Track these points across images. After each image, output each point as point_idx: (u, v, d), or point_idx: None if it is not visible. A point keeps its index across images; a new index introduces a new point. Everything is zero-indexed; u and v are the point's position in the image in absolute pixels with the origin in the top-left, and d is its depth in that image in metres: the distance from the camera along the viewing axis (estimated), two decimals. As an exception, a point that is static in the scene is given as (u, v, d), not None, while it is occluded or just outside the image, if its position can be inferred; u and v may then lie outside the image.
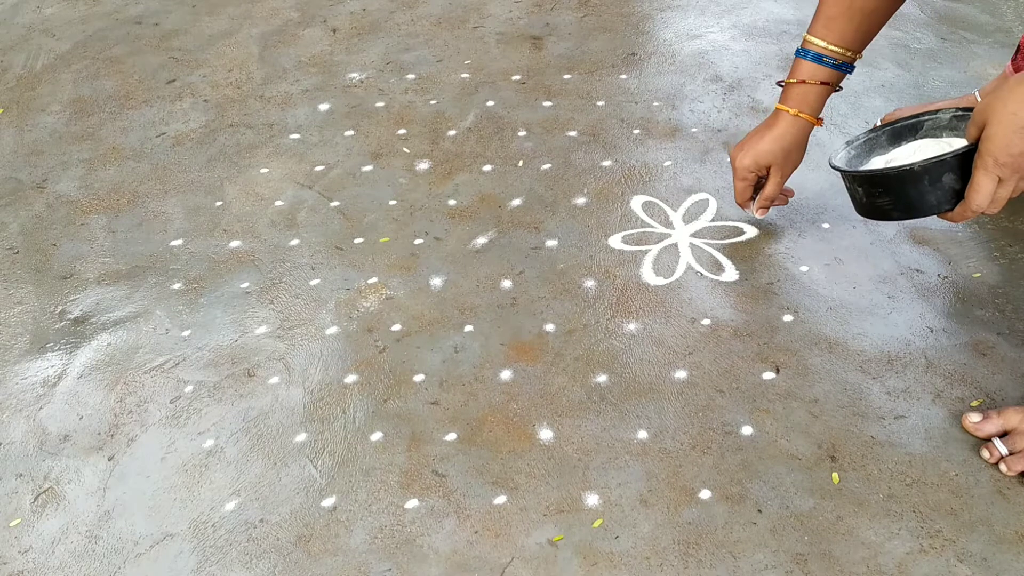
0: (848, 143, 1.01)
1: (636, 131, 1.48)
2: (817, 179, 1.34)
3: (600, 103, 1.55)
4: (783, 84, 1.13)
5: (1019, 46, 1.24)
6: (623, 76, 1.61)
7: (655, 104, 1.53)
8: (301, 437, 1.05)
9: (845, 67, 1.10)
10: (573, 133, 1.49)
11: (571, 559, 0.91)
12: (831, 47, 1.08)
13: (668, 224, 1.30)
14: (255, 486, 1.01)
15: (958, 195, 0.87)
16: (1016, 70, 1.24)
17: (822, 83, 1.10)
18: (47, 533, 0.98)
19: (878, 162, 1.00)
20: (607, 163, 1.42)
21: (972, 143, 0.85)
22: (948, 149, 0.92)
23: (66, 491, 1.02)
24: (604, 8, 1.81)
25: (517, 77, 1.63)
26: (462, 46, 1.73)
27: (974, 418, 0.98)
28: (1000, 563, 0.88)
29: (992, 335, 1.10)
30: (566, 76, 1.62)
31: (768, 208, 1.22)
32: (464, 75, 1.65)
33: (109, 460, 1.05)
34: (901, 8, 1.63)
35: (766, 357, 1.10)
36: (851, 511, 0.93)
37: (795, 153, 1.15)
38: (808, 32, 1.10)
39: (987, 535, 0.90)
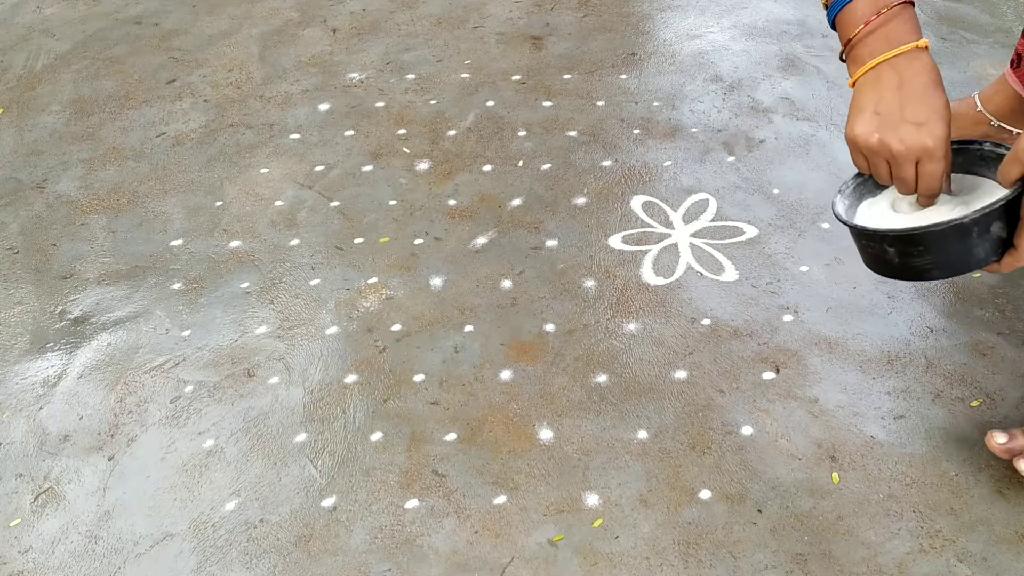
0: (840, 191, 0.89)
1: (636, 131, 1.48)
2: (817, 179, 1.34)
3: (600, 103, 1.55)
4: (861, 31, 0.81)
5: (1017, 52, 1.23)
6: (623, 76, 1.61)
7: (655, 104, 1.53)
8: (301, 437, 1.05)
9: None
10: (573, 133, 1.49)
11: (571, 559, 0.91)
12: None
13: (668, 224, 1.30)
14: (255, 486, 1.01)
15: (1004, 244, 0.79)
16: (1018, 78, 1.23)
17: (908, 2, 0.81)
18: (47, 533, 0.98)
19: (868, 209, 0.89)
20: (607, 163, 1.42)
21: (1013, 185, 0.77)
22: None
23: (66, 491, 1.02)
24: (604, 8, 1.81)
25: (517, 77, 1.63)
26: (462, 46, 1.73)
27: (1000, 439, 0.93)
28: (1000, 563, 0.88)
29: (992, 335, 1.10)
30: (566, 76, 1.62)
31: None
32: (464, 75, 1.65)
33: (109, 460, 1.05)
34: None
35: (766, 357, 1.10)
36: (851, 511, 0.93)
37: (945, 94, 0.81)
38: None
39: (987, 535, 0.90)
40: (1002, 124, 1.30)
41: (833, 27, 0.84)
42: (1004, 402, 1.02)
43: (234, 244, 1.33)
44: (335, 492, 0.99)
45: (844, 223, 0.84)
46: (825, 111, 1.48)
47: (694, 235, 1.27)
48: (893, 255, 0.81)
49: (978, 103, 1.31)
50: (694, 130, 1.46)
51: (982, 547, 0.89)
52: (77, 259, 1.32)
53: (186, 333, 1.20)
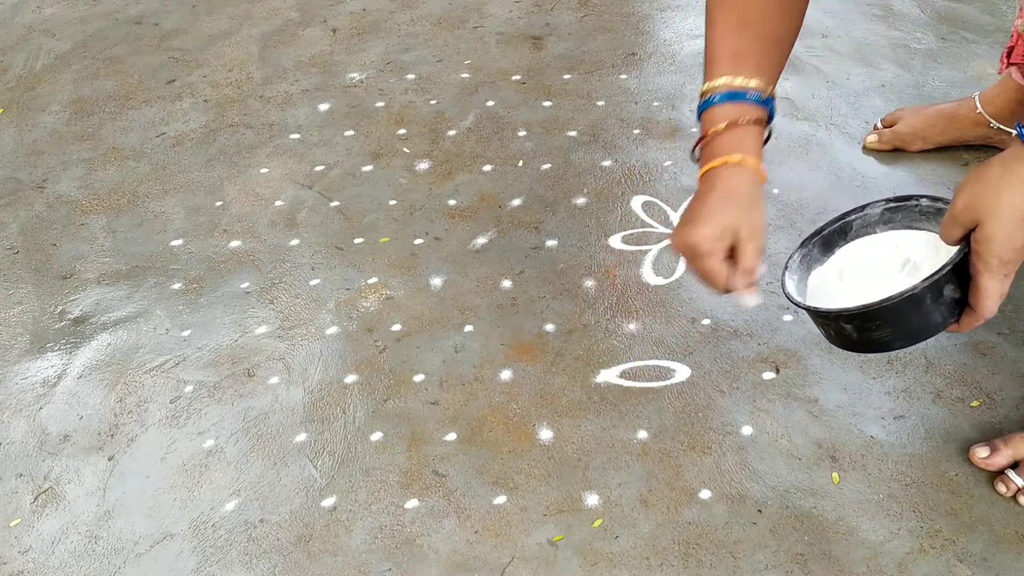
0: (786, 267, 0.87)
1: (636, 131, 1.48)
2: (817, 179, 1.34)
3: (600, 103, 1.55)
4: (699, 145, 0.87)
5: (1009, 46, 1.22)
6: (623, 76, 1.61)
7: (655, 104, 1.53)
8: (301, 437, 1.05)
9: (770, 104, 0.86)
10: (573, 133, 1.49)
11: (571, 559, 0.91)
12: (751, 82, 0.85)
13: (668, 224, 1.30)
14: (255, 486, 1.01)
15: (959, 304, 0.78)
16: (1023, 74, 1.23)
17: (755, 121, 0.85)
18: (47, 533, 0.98)
19: (818, 280, 0.88)
20: (607, 163, 1.42)
21: (958, 244, 0.76)
22: (885, 247, 0.84)
23: (66, 491, 1.02)
24: (604, 8, 1.81)
25: (517, 77, 1.63)
26: (462, 46, 1.73)
27: (981, 453, 0.95)
28: (1000, 563, 0.88)
29: (992, 335, 1.10)
30: (566, 76, 1.62)
31: (757, 286, 0.87)
32: (464, 75, 1.65)
33: (109, 460, 1.05)
34: (901, 8, 1.63)
35: (766, 357, 1.10)
36: (851, 511, 0.93)
37: (757, 206, 0.85)
38: (709, 80, 0.86)
39: (987, 535, 0.90)
40: (1001, 126, 1.30)
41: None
42: (1004, 402, 1.02)
43: (234, 244, 1.33)
44: (335, 492, 0.99)
45: (797, 305, 0.83)
46: (825, 111, 1.48)
47: (694, 235, 1.27)
48: (851, 331, 0.81)
49: (978, 105, 1.31)
50: (694, 130, 1.46)
51: (982, 547, 0.89)
52: (77, 259, 1.32)
53: (186, 333, 1.20)
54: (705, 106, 0.86)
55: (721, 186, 0.84)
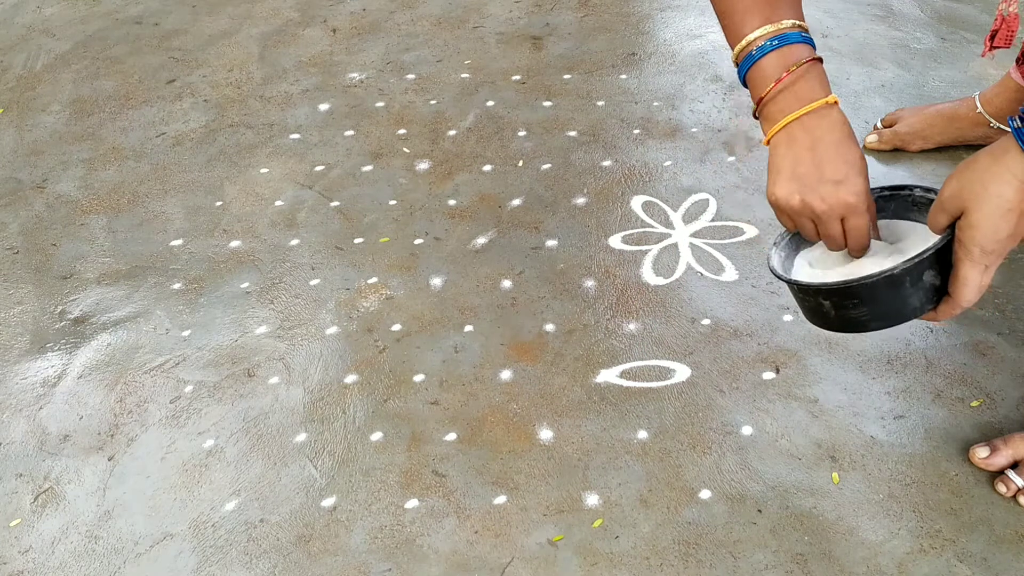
0: (775, 244, 0.87)
1: (636, 131, 1.48)
2: (817, 179, 1.34)
3: (600, 103, 1.55)
4: (769, 96, 0.82)
5: (992, 30, 1.22)
6: (623, 76, 1.61)
7: (655, 104, 1.53)
8: (301, 437, 1.05)
9: (814, 44, 0.83)
10: (573, 133, 1.49)
11: (571, 559, 0.91)
12: (794, 24, 0.82)
13: (668, 224, 1.30)
14: (255, 486, 1.01)
15: (938, 291, 0.79)
16: (1023, 74, 1.23)
17: (817, 59, 0.82)
18: (47, 533, 0.98)
19: (805, 260, 0.88)
20: (607, 163, 1.42)
21: (943, 233, 0.76)
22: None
23: (66, 491, 1.02)
24: (604, 8, 1.81)
25: (517, 77, 1.63)
26: (462, 46, 1.73)
27: (981, 453, 0.95)
28: (1000, 563, 0.88)
29: (992, 335, 1.10)
30: (566, 76, 1.62)
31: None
32: (464, 75, 1.65)
33: (109, 460, 1.05)
34: (901, 8, 1.63)
35: (766, 357, 1.10)
36: (851, 511, 0.93)
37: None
38: (744, 34, 0.82)
39: (987, 535, 0.90)
40: (1001, 126, 1.30)
41: (744, 84, 0.84)
42: (1004, 402, 1.02)
43: (234, 244, 1.33)
44: (335, 492, 0.99)
45: (779, 278, 0.84)
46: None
47: (694, 235, 1.27)
48: (829, 308, 0.81)
49: (978, 105, 1.31)
50: (694, 130, 1.46)
51: (982, 547, 0.89)
52: (77, 259, 1.32)
53: (186, 333, 1.20)
54: (759, 56, 0.81)
55: (834, 133, 0.80)
